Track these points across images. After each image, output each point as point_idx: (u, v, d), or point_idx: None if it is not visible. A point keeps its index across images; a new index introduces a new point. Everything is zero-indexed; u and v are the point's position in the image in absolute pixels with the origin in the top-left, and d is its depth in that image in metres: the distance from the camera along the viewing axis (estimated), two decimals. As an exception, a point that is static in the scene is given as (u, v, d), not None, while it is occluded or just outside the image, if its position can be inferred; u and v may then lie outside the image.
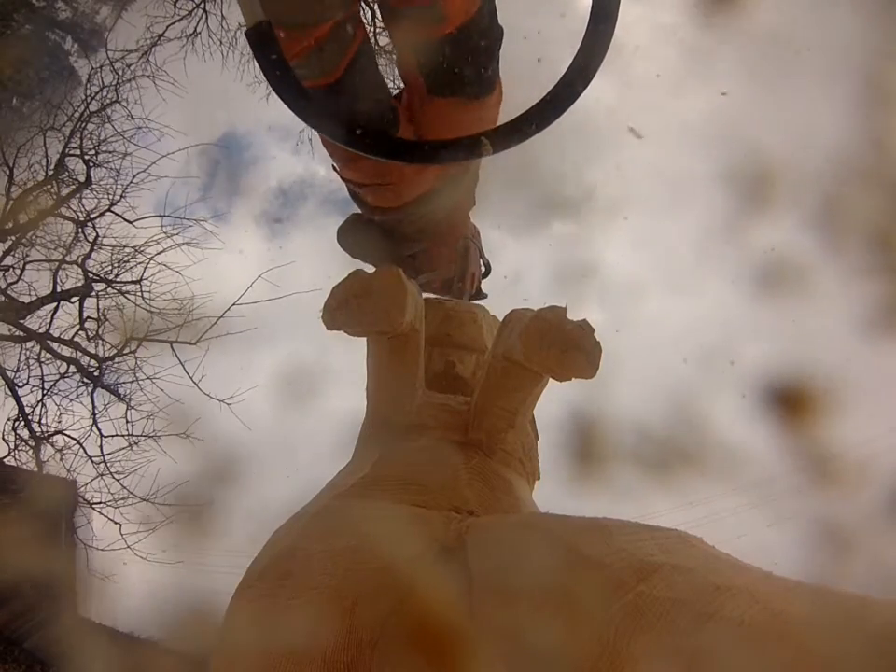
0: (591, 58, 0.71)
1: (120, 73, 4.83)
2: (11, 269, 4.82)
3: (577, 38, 0.70)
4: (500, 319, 0.94)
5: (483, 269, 1.23)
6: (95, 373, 4.85)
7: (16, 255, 4.87)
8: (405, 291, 0.84)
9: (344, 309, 0.84)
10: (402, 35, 0.88)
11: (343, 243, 1.13)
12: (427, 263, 1.16)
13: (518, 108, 0.75)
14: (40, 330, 4.81)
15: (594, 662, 0.44)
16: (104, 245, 4.89)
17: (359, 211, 1.10)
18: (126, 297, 4.83)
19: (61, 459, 4.68)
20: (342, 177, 1.00)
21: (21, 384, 4.77)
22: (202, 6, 4.85)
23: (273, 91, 0.73)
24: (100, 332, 4.85)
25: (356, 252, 1.13)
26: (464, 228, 1.15)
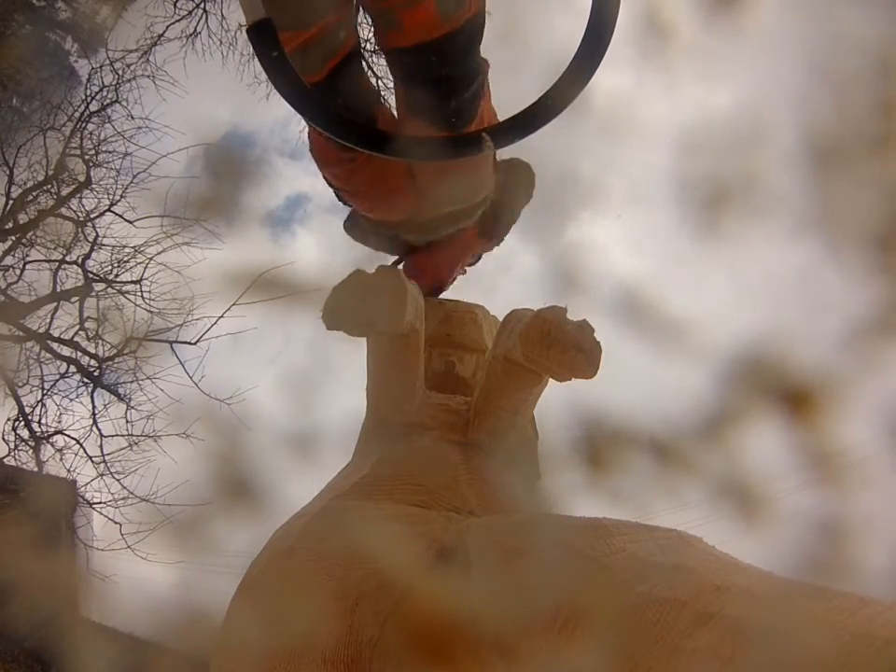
0: (592, 54, 0.71)
1: (120, 73, 4.83)
2: (11, 269, 4.82)
3: (579, 34, 0.70)
4: (500, 319, 0.94)
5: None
6: (95, 373, 4.85)
7: (16, 255, 4.87)
8: (405, 291, 0.84)
9: (344, 309, 0.84)
10: (376, 36, 0.87)
11: (352, 233, 1.13)
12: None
13: (520, 104, 0.75)
14: (40, 330, 4.81)
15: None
16: (104, 245, 4.89)
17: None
18: (126, 297, 4.83)
19: (61, 459, 4.68)
20: (325, 180, 1.00)
21: (21, 384, 4.76)
22: (202, 6, 4.85)
23: (273, 89, 0.73)
24: (100, 332, 4.85)
25: (365, 240, 1.13)
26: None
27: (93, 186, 4.85)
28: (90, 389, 4.84)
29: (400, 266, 1.14)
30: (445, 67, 0.81)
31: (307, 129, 0.94)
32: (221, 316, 4.50)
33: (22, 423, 4.73)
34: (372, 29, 0.86)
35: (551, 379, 0.85)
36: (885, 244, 0.63)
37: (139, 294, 4.77)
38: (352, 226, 1.13)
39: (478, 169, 0.95)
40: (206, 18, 4.87)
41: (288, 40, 0.77)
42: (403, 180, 0.94)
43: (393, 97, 0.97)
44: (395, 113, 0.97)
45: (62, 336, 4.83)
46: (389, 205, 0.99)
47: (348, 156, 0.88)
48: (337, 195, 1.05)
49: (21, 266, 4.82)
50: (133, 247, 4.81)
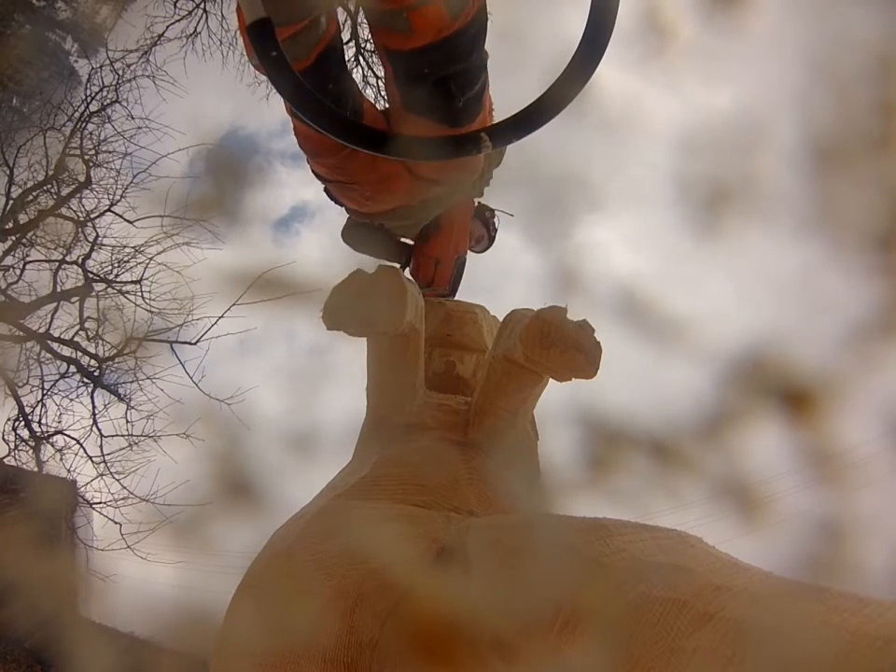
0: (591, 54, 0.71)
1: (120, 73, 4.83)
2: (11, 269, 4.82)
3: (577, 36, 0.70)
4: (501, 319, 0.94)
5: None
6: (95, 373, 4.85)
7: (16, 255, 4.86)
8: (405, 291, 0.84)
9: (344, 309, 0.84)
10: (376, 38, 0.89)
11: (348, 240, 1.15)
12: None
13: (519, 104, 0.75)
14: (40, 330, 4.81)
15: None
16: (104, 245, 4.89)
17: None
18: (126, 297, 4.82)
19: (61, 459, 4.68)
20: (313, 172, 1.02)
21: (21, 384, 4.76)
22: (202, 6, 4.85)
23: (271, 86, 0.74)
24: (100, 332, 4.84)
25: (361, 248, 1.15)
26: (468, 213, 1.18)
27: (93, 186, 4.84)
28: (90, 389, 4.84)
29: (407, 270, 1.17)
30: (453, 65, 0.83)
31: (292, 121, 0.95)
32: (221, 316, 4.49)
33: (22, 423, 4.73)
34: (370, 30, 0.88)
35: (551, 379, 0.85)
36: (885, 244, 0.63)
37: (139, 294, 4.76)
38: (348, 234, 1.15)
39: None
40: (206, 18, 4.87)
41: (281, 33, 0.79)
42: (396, 165, 0.96)
43: (373, 92, 0.99)
44: (378, 106, 0.99)
45: (62, 336, 4.83)
46: (386, 190, 1.00)
47: (339, 144, 0.90)
48: (327, 191, 1.06)
49: (21, 266, 4.82)
50: (133, 247, 4.81)
